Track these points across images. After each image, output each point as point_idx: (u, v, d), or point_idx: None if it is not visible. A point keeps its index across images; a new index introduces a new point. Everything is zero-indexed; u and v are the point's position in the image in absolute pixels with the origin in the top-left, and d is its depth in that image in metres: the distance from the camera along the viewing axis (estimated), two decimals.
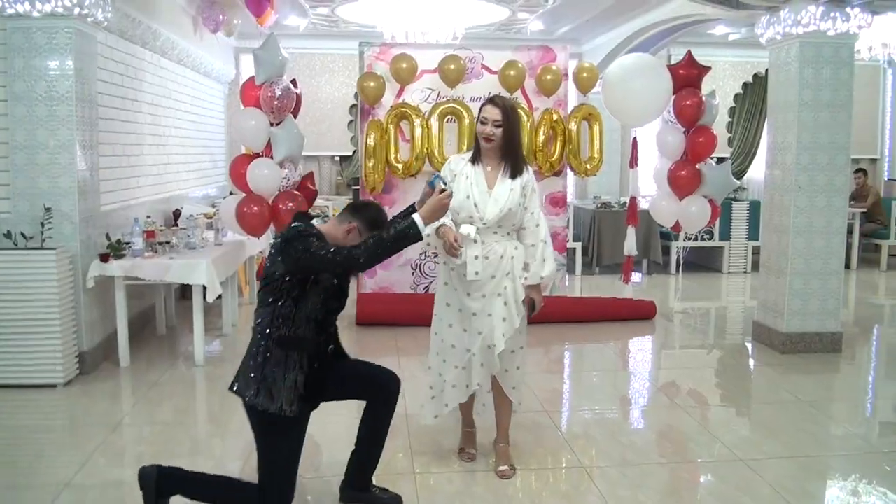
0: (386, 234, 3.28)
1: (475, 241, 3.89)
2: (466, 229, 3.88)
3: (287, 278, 3.25)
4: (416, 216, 3.36)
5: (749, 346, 6.91)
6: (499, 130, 3.89)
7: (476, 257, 3.88)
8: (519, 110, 4.15)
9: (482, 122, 3.91)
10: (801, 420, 5.00)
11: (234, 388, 3.35)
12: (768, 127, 6.83)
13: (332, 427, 4.38)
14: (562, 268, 7.82)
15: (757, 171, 12.41)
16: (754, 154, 12.39)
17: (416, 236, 3.32)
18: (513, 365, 4.09)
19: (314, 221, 3.43)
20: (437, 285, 4.21)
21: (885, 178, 12.70)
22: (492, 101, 3.94)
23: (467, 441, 4.38)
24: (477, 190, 3.93)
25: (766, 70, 12.09)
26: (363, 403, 3.67)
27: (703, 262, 10.98)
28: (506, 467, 4.13)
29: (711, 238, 10.48)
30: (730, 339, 7.44)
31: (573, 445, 4.55)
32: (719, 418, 5.12)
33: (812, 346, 6.47)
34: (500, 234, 3.95)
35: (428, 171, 7.16)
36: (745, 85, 12.39)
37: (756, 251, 10.78)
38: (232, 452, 4.34)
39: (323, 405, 3.52)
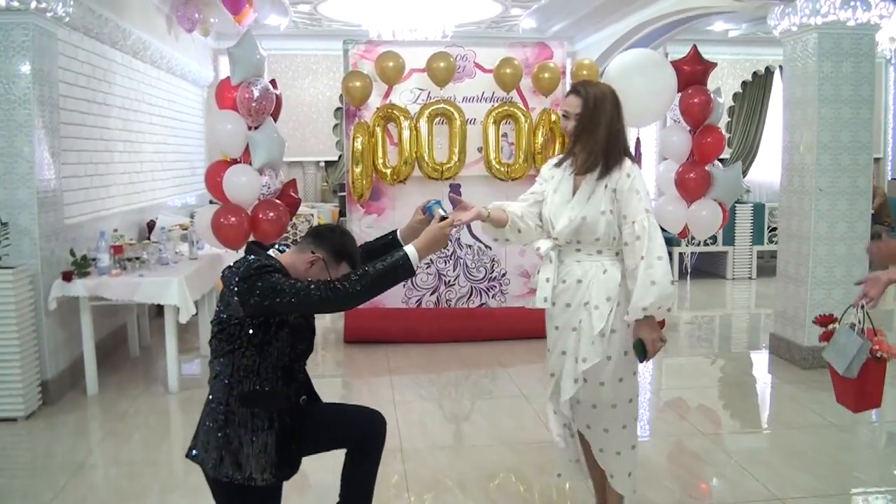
0: (373, 269, 2.70)
1: (550, 261, 3.21)
2: (543, 245, 3.25)
3: (247, 323, 2.70)
4: (409, 248, 2.77)
5: (767, 360, 6.47)
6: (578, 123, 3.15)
7: (547, 280, 3.18)
8: (614, 93, 3.19)
9: (564, 117, 3.19)
10: (836, 448, 4.55)
11: (193, 455, 2.83)
12: (783, 126, 6.40)
13: (320, 466, 3.90)
14: None
15: (757, 172, 12.07)
16: (755, 155, 12.01)
17: (409, 271, 2.75)
18: (616, 423, 3.19)
19: (271, 252, 2.88)
20: None
21: (889, 178, 12.32)
22: (573, 89, 3.18)
23: None
24: (558, 198, 3.22)
25: (766, 68, 11.89)
26: None
27: (706, 267, 10.54)
28: None
29: (715, 243, 10.04)
30: (745, 352, 7.00)
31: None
32: (746, 447, 4.65)
33: None
34: (583, 253, 3.15)
35: (417, 176, 6.73)
36: (744, 83, 11.99)
37: (761, 256, 10.43)
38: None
39: None
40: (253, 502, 2.79)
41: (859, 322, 3.14)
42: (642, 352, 3.05)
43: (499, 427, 4.91)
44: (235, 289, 2.64)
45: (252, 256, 2.76)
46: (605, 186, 3.09)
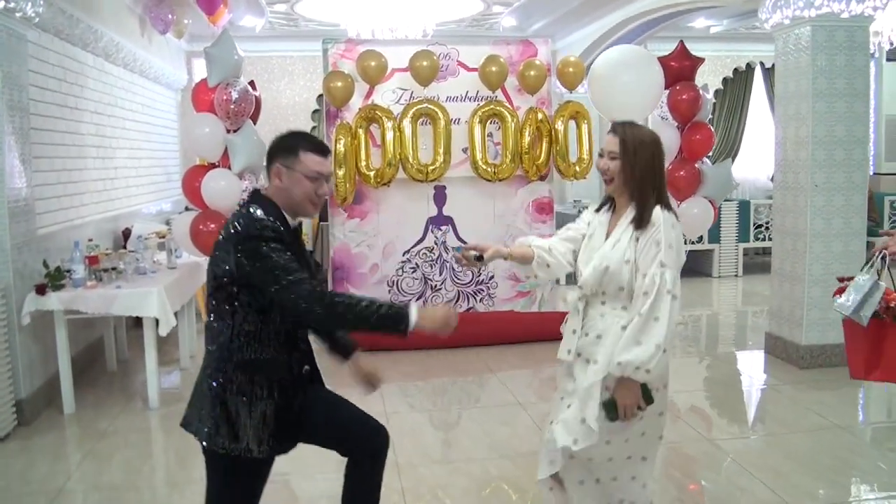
0: (376, 307, 2.50)
1: (578, 312, 2.97)
2: (570, 295, 3.05)
3: (248, 283, 2.53)
4: (413, 307, 2.55)
5: (763, 360, 6.35)
6: (614, 164, 2.91)
7: (574, 332, 2.95)
8: (656, 141, 2.95)
9: (600, 156, 2.99)
10: (844, 451, 4.43)
11: (187, 425, 2.66)
12: (775, 121, 6.30)
13: (302, 479, 3.72)
14: (550, 283, 7.20)
15: (740, 169, 11.99)
16: (737, 152, 11.94)
17: (400, 327, 2.50)
18: (626, 473, 2.98)
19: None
20: None
21: (871, 173, 12.28)
22: (613, 129, 2.98)
23: None
24: (590, 245, 3.00)
25: (747, 64, 11.83)
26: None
27: (692, 266, 10.43)
28: None
29: (701, 241, 9.93)
30: (739, 352, 6.90)
31: None
32: (751, 451, 4.50)
33: (833, 360, 5.89)
34: (608, 306, 2.92)
35: (401, 178, 6.57)
36: (724, 80, 11.92)
37: (746, 253, 10.35)
38: None
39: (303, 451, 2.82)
40: (245, 475, 2.64)
41: (877, 273, 3.08)
42: (612, 411, 2.78)
43: (494, 437, 4.75)
44: (238, 247, 2.49)
45: (259, 212, 2.56)
46: (631, 235, 2.87)
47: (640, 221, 2.85)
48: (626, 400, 2.78)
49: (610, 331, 2.85)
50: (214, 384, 2.58)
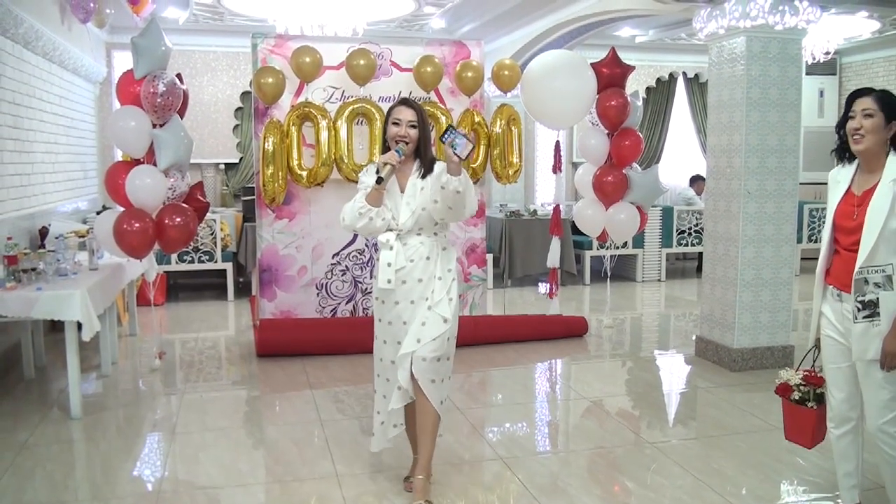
0: None
1: (391, 249, 3.71)
2: (384, 237, 3.74)
3: None
4: None
5: (694, 363, 6.42)
6: (414, 132, 3.75)
7: (389, 265, 3.69)
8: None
9: (395, 124, 3.75)
10: (785, 452, 4.45)
11: None
12: (709, 129, 6.38)
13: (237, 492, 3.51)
14: (481, 283, 7.17)
15: (662, 176, 12.16)
16: (659, 160, 12.13)
17: None
18: (445, 375, 3.80)
19: None
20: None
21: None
22: (404, 101, 3.84)
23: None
24: (389, 196, 3.76)
25: (670, 74, 12.04)
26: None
27: (616, 270, 10.56)
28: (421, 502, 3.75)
29: (625, 246, 10.05)
30: (669, 355, 6.95)
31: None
32: (694, 454, 4.49)
33: (763, 362, 6.05)
34: (423, 235, 3.78)
35: (335, 179, 6.40)
36: (648, 89, 12.10)
37: (668, 259, 10.52)
38: None
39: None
40: None
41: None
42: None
43: (438, 445, 4.60)
44: None
45: None
46: (431, 180, 3.67)
47: (428, 172, 3.72)
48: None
49: (435, 252, 3.75)
50: None
